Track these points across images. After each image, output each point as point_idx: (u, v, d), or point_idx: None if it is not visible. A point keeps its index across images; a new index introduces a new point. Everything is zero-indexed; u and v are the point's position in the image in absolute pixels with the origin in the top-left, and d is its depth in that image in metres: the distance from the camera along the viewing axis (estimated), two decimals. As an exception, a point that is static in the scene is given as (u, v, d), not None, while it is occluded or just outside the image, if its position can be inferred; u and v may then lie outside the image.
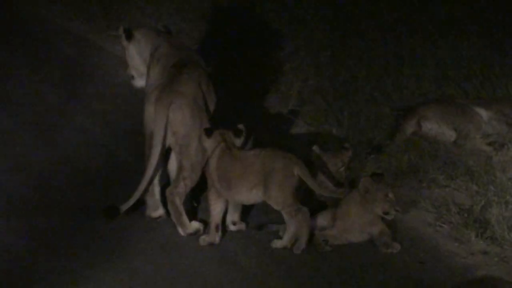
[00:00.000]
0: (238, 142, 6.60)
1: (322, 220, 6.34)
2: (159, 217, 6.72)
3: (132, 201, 6.61)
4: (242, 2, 11.05)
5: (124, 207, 6.55)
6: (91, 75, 9.90)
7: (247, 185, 6.27)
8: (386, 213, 6.17)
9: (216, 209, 6.37)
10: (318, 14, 10.65)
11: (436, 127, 7.76)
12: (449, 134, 7.74)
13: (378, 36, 10.05)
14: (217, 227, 6.35)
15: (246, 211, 6.61)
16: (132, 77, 7.25)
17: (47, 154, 7.85)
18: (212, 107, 6.87)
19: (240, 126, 6.50)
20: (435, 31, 10.04)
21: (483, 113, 7.84)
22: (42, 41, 11.14)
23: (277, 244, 6.28)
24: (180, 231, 6.46)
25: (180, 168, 6.67)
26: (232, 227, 6.55)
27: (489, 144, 7.65)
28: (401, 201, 6.73)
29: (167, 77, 6.72)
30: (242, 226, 6.55)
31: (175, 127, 6.63)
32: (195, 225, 6.54)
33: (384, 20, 10.47)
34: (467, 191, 6.88)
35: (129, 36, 7.18)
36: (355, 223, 6.22)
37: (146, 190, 6.72)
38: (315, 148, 6.80)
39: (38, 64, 10.29)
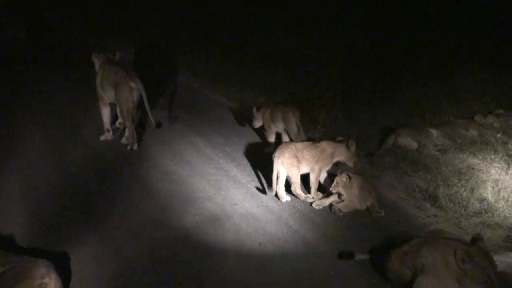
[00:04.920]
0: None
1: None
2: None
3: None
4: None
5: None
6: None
7: None
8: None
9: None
10: (334, 69, 10.40)
11: (406, 140, 7.69)
12: (414, 145, 7.69)
13: (371, 83, 9.84)
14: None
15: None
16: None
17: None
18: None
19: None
20: (405, 82, 9.79)
21: (434, 132, 7.83)
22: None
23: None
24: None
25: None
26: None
27: (438, 150, 7.60)
28: (385, 185, 6.77)
29: (123, 73, 7.33)
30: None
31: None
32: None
33: (374, 73, 10.23)
34: (424, 179, 6.87)
35: (100, 59, 7.77)
36: (356, 197, 6.19)
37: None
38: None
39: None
